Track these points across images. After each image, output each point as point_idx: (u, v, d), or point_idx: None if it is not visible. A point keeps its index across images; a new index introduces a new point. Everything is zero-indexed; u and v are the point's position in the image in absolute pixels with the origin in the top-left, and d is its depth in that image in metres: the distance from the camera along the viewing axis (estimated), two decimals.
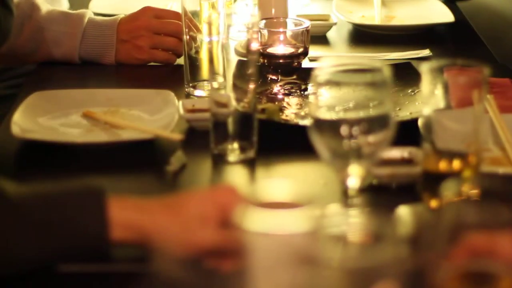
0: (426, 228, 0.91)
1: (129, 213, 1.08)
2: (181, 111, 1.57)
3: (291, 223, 0.79)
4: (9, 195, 1.05)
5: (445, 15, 2.18)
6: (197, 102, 1.64)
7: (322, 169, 1.37)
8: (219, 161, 1.46)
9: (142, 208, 1.09)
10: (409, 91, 1.68)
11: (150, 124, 1.56)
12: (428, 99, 1.20)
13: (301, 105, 1.67)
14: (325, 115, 1.15)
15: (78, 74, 1.90)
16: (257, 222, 0.79)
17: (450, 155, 1.22)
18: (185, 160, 1.43)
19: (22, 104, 1.60)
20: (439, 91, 1.19)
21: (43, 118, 1.58)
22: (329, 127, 1.15)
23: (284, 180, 1.36)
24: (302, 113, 1.61)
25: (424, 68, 1.20)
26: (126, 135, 1.51)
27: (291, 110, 1.64)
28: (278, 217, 0.79)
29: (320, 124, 1.15)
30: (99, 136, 1.53)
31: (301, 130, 1.25)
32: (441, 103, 1.19)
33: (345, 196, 1.19)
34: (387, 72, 1.14)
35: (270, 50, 1.82)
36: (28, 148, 1.49)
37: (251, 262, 0.79)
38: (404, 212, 1.20)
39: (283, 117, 1.60)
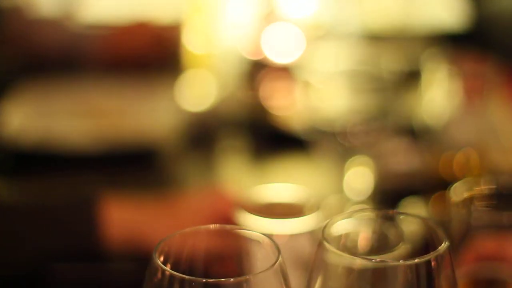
0: (434, 231, 0.89)
1: (127, 215, 1.07)
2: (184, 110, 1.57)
3: (292, 227, 0.77)
4: (3, 199, 1.05)
5: (456, 20, 2.17)
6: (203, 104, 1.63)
7: (324, 171, 1.36)
8: (219, 160, 1.45)
9: (139, 211, 1.08)
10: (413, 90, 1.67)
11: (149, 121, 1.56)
12: (434, 94, 1.19)
13: (302, 107, 1.66)
14: (326, 115, 1.14)
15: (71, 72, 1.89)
16: (256, 226, 0.77)
17: (458, 156, 1.21)
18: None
19: (16, 102, 1.59)
20: (447, 84, 1.18)
21: (38, 114, 1.57)
22: (329, 129, 1.14)
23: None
24: (303, 116, 1.60)
25: (432, 63, 1.19)
26: (124, 141, 1.49)
27: (292, 112, 1.63)
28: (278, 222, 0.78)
29: (320, 127, 1.15)
30: (98, 136, 1.51)
31: (303, 133, 1.24)
32: (449, 97, 1.18)
33: (348, 199, 1.18)
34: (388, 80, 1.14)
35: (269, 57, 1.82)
36: (23, 148, 1.48)
37: (250, 267, 0.77)
38: (410, 214, 1.18)
39: (285, 119, 1.59)
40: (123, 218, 1.07)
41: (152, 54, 1.92)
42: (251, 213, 0.79)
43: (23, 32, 1.86)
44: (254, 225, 0.78)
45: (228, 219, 1.04)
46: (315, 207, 0.81)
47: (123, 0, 2.22)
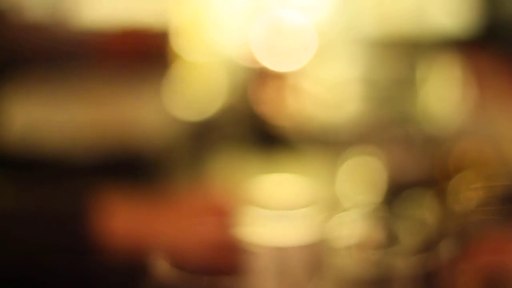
0: (441, 233, 0.88)
1: (127, 215, 1.07)
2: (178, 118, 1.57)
3: (296, 234, 0.77)
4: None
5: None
6: None
7: (319, 173, 1.36)
8: (215, 165, 1.45)
9: (139, 211, 1.08)
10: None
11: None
12: (442, 98, 1.19)
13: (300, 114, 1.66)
14: (324, 122, 1.15)
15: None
16: (258, 234, 0.77)
17: (457, 150, 1.20)
18: None
19: (18, 99, 1.59)
20: (456, 88, 1.18)
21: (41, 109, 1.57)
22: (326, 135, 1.14)
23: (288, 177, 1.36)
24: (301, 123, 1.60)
25: (439, 69, 1.19)
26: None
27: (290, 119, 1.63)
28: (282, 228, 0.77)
29: (316, 134, 1.15)
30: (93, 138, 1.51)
31: (300, 140, 1.24)
32: (458, 100, 1.18)
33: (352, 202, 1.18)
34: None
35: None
36: (24, 145, 1.48)
37: (252, 275, 0.77)
38: (417, 216, 1.17)
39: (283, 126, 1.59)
40: (124, 218, 1.07)
41: (144, 62, 1.90)
42: (250, 206, 0.79)
43: (11, 36, 1.86)
44: (253, 219, 0.77)
45: (226, 216, 1.04)
46: (312, 201, 0.81)
47: (115, 7, 2.21)
